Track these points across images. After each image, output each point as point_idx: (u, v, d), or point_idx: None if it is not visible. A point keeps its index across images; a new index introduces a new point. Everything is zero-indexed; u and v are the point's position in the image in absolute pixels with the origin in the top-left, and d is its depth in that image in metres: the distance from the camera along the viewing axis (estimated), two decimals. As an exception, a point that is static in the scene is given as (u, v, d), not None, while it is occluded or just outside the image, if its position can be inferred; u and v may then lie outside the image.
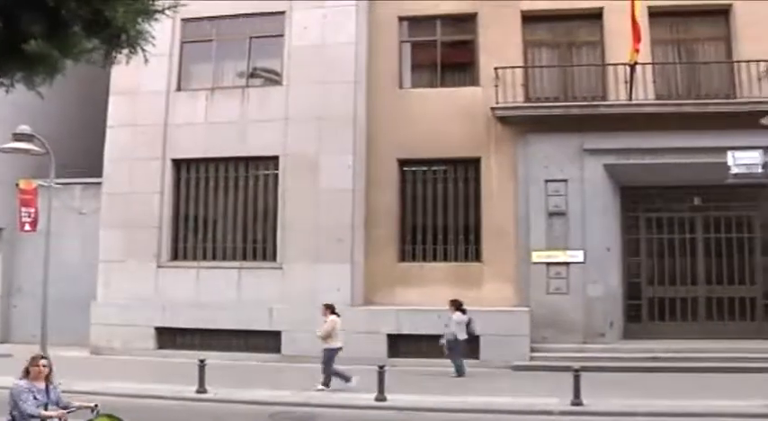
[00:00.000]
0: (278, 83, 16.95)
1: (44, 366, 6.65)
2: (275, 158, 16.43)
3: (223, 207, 16.79)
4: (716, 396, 11.43)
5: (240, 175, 16.75)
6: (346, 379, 12.42)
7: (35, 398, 6.47)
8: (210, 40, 17.41)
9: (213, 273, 16.32)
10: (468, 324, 13.76)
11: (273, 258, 16.20)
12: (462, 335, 13.67)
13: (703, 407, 10.87)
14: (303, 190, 16.00)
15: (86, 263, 17.02)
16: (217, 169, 16.87)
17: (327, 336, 12.61)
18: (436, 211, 16.50)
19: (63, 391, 6.99)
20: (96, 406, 6.86)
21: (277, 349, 15.62)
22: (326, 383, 12.44)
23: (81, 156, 17.45)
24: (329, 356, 12.52)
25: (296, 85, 16.51)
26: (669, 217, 16.30)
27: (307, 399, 11.84)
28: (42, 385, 6.60)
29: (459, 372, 13.73)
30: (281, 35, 16.93)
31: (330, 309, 13.01)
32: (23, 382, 6.53)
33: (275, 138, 16.33)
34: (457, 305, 13.88)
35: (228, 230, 16.68)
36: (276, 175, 16.40)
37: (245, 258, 16.43)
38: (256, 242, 16.48)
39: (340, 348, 12.65)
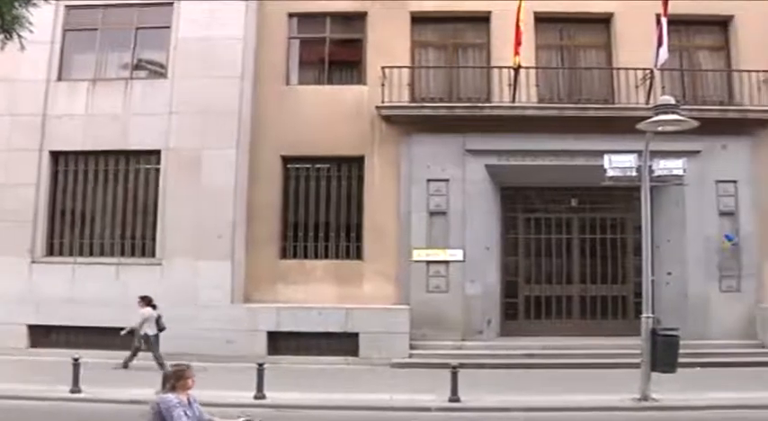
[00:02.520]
0: (163, 76, 16.57)
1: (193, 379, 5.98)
2: (157, 153, 16.04)
3: (102, 201, 16.29)
4: (588, 391, 11.84)
5: (121, 169, 16.30)
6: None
7: (185, 414, 5.70)
8: (95, 29, 16.88)
9: (91, 269, 15.78)
10: (158, 319, 13.90)
11: (153, 254, 15.83)
12: (152, 331, 13.79)
13: (576, 401, 11.25)
14: (185, 185, 15.68)
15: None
16: (97, 163, 16.36)
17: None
18: (319, 209, 16.45)
19: None
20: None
21: (156, 347, 15.27)
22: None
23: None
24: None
25: (181, 78, 16.17)
26: (547, 217, 16.74)
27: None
28: (185, 398, 5.85)
29: (125, 365, 13.91)
30: (168, 27, 16.54)
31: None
32: (172, 396, 5.72)
33: (158, 132, 15.95)
34: (147, 301, 13.97)
35: (107, 225, 16.20)
36: (158, 170, 16.02)
37: (123, 254, 15.99)
38: (135, 238, 16.07)
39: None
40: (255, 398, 11.24)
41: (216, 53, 16.05)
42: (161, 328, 13.87)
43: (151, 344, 13.74)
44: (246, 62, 16.33)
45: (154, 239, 15.86)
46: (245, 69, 16.25)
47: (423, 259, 15.70)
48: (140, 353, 13.97)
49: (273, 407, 10.99)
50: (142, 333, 13.77)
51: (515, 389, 12.00)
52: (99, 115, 16.21)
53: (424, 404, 11.16)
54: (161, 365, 12.87)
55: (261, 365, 11.51)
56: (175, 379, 5.83)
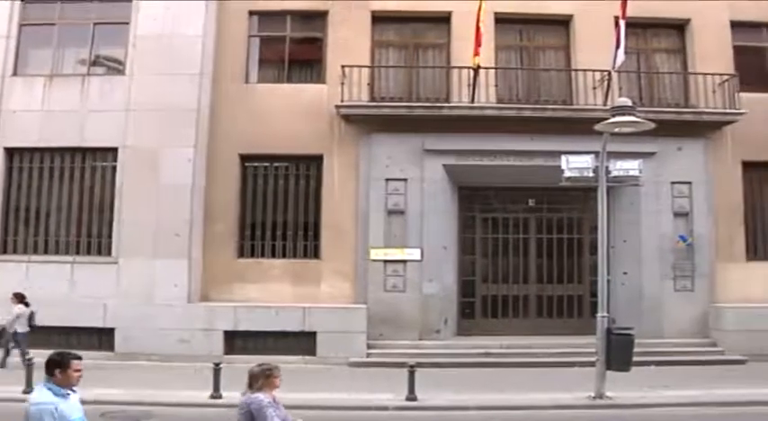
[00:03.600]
0: (121, 72, 16.38)
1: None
2: (114, 150, 15.86)
3: (57, 199, 16.07)
4: (544, 389, 11.98)
5: (77, 167, 16.08)
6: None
7: (275, 413, 5.63)
8: (52, 24, 16.66)
9: (45, 267, 15.53)
10: (31, 317, 13.86)
11: (109, 253, 15.63)
12: (23, 328, 13.72)
13: (532, 400, 11.39)
14: (142, 183, 15.52)
15: None
16: (52, 159, 16.13)
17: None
18: (277, 208, 16.39)
19: None
20: None
21: (111, 346, 15.06)
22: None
23: None
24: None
25: (139, 75, 15.99)
26: (504, 217, 16.86)
27: (140, 398, 11.47)
28: (272, 398, 5.76)
29: (2, 365, 13.79)
30: (127, 23, 16.34)
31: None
32: (263, 396, 5.64)
33: (115, 129, 15.75)
34: (20, 298, 13.92)
35: (63, 223, 15.97)
36: (114, 168, 15.84)
37: (78, 252, 15.78)
38: (91, 236, 15.86)
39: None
40: (211, 397, 11.22)
41: (175, 50, 15.93)
42: (32, 326, 13.75)
43: (19, 341, 13.62)
44: (206, 60, 16.21)
45: (110, 237, 15.67)
46: (204, 67, 16.12)
47: (380, 258, 15.72)
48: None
49: (229, 406, 10.83)
50: (12, 330, 13.61)
51: (472, 388, 12.09)
52: (55, 111, 15.99)
53: (381, 403, 11.22)
54: (27, 365, 12.16)
55: (217, 365, 11.50)
56: (264, 378, 5.74)
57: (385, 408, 11.07)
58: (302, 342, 14.93)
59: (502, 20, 16.73)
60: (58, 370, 4.90)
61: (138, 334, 14.80)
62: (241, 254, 16.12)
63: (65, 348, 14.44)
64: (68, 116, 15.95)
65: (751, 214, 16.92)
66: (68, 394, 4.91)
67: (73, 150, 16.05)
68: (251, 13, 16.91)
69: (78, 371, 4.98)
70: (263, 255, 16.13)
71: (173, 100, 15.67)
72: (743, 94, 16.45)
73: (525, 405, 11.17)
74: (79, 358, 5.06)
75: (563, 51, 17.25)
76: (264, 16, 17.10)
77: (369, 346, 15.05)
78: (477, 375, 13.53)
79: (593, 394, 11.46)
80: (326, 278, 15.83)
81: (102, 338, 15.11)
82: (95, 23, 16.62)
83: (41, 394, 4.85)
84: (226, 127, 16.19)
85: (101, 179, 16.04)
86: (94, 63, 16.71)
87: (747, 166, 16.85)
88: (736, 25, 17.13)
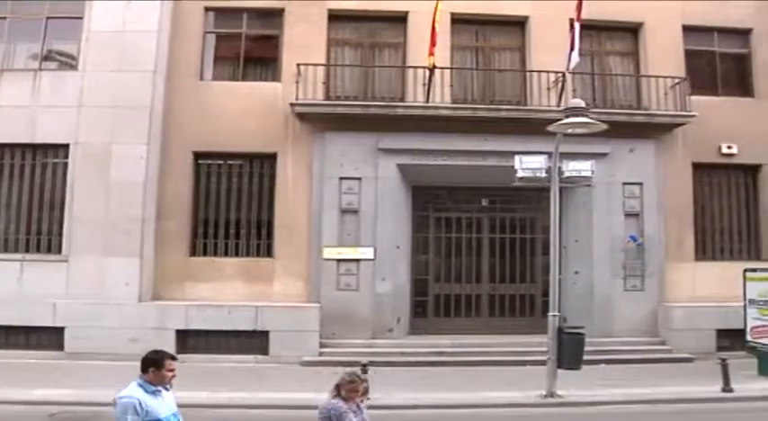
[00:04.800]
0: (73, 68, 16.12)
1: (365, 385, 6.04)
2: (66, 147, 15.63)
3: (6, 196, 15.77)
4: (495, 387, 12.14)
5: (27, 163, 15.82)
6: None
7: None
8: (3, 18, 16.34)
9: (-8, 265, 15.37)
10: None
11: (59, 251, 15.41)
12: None
13: (483, 398, 11.52)
14: (93, 180, 15.32)
15: None
16: (2, 156, 15.83)
17: None
18: (230, 206, 16.29)
19: None
20: None
21: (60, 346, 14.86)
22: None
23: None
24: None
25: (92, 71, 15.76)
26: (458, 217, 16.95)
27: (91, 398, 11.29)
28: (353, 404, 5.88)
29: None
30: (80, 18, 16.10)
31: None
32: (342, 403, 5.78)
33: (67, 125, 15.52)
34: None
35: (11, 221, 15.69)
36: (66, 164, 15.62)
37: (28, 250, 15.54)
38: (41, 234, 15.62)
39: None
40: (163, 396, 11.15)
41: (129, 46, 15.73)
42: None
43: None
44: (160, 56, 16.05)
45: (60, 235, 15.45)
46: (158, 63, 15.96)
47: (333, 257, 15.71)
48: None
49: (181, 406, 10.89)
50: None
51: (424, 387, 12.17)
52: (5, 107, 15.67)
53: (333, 402, 11.25)
54: None
55: (169, 364, 11.43)
56: (348, 384, 5.89)
57: (337, 407, 11.12)
58: (255, 341, 14.89)
59: (458, 20, 16.80)
60: (153, 368, 5.05)
61: (88, 333, 14.61)
62: (194, 252, 16.00)
63: (13, 347, 14.38)
64: (19, 112, 15.67)
65: (700, 215, 17.22)
66: (159, 391, 5.05)
67: (23, 146, 15.78)
68: (207, 9, 16.75)
69: (172, 370, 5.14)
70: (215, 254, 16.03)
71: (126, 96, 15.49)
72: (693, 97, 16.73)
73: (477, 403, 11.28)
74: (175, 359, 5.22)
75: (518, 52, 17.36)
76: (220, 13, 16.94)
77: (321, 345, 15.04)
78: (430, 374, 13.62)
79: (544, 392, 11.61)
80: (279, 277, 15.78)
81: (51, 337, 14.88)
82: (48, 18, 16.34)
83: (130, 389, 4.99)
84: (179, 124, 16.04)
85: (51, 176, 15.80)
86: (46, 58, 16.45)
87: (697, 168, 17.15)
88: (687, 29, 17.39)
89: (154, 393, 4.99)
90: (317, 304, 15.43)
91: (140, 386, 5.00)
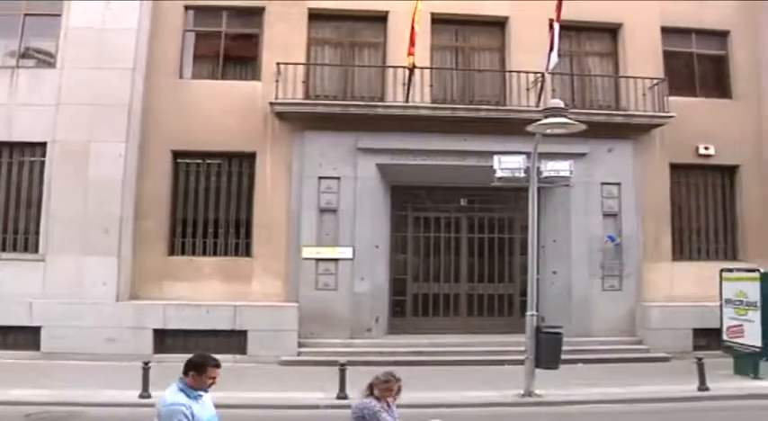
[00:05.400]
0: (51, 65, 16.02)
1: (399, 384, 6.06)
2: (43, 145, 15.52)
3: (-18, 194, 15.74)
4: (474, 387, 12.18)
5: (4, 162, 15.68)
6: None
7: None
8: (-19, 15, 16.30)
9: (-32, 264, 15.24)
10: None
11: (36, 250, 15.32)
12: None
13: (461, 397, 11.55)
14: (71, 178, 15.20)
15: None
16: (-22, 154, 15.81)
17: None
18: (209, 205, 16.24)
19: None
20: None
21: (37, 346, 14.74)
22: None
23: None
24: None
25: (70, 68, 15.65)
26: (436, 216, 17.00)
27: (67, 398, 11.29)
28: (385, 404, 5.99)
29: None
30: (59, 15, 15.99)
31: None
32: (375, 402, 5.89)
33: (44, 123, 15.39)
34: None
35: (-12, 219, 15.66)
36: (43, 163, 15.51)
37: (4, 249, 15.40)
38: (18, 232, 15.51)
39: None
40: (140, 397, 11.09)
41: (108, 44, 15.62)
42: None
43: None
44: (139, 54, 15.96)
45: (37, 234, 15.35)
46: (137, 61, 15.87)
47: (312, 257, 15.71)
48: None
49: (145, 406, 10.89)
50: None
51: (402, 386, 12.13)
52: (-18, 105, 15.63)
53: (312, 401, 11.28)
54: None
55: (146, 364, 11.40)
56: (383, 383, 6.02)
57: (316, 407, 11.14)
58: (233, 340, 14.83)
59: (438, 20, 16.84)
60: (194, 372, 4.87)
61: (65, 333, 14.51)
62: (172, 251, 15.94)
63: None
64: (-4, 109, 15.59)
65: (677, 215, 17.37)
66: (200, 395, 4.91)
67: (0, 145, 15.69)
68: (186, 7, 16.69)
69: (213, 378, 4.96)
70: (194, 253, 15.98)
71: (104, 94, 15.39)
72: (671, 98, 16.88)
73: (455, 402, 11.28)
74: (218, 366, 5.00)
75: (498, 52, 17.42)
76: (200, 11, 16.88)
77: (300, 345, 15.04)
78: (408, 373, 13.17)
79: (522, 391, 11.69)
80: (258, 276, 15.76)
81: (27, 337, 14.77)
82: (26, 15, 16.22)
83: (175, 395, 4.82)
84: (158, 122, 15.97)
85: (28, 174, 15.68)
86: (24, 55, 16.31)
87: (675, 168, 17.30)
88: (666, 31, 17.54)
89: (196, 398, 4.86)
90: (295, 304, 15.41)
91: (182, 391, 4.84)
